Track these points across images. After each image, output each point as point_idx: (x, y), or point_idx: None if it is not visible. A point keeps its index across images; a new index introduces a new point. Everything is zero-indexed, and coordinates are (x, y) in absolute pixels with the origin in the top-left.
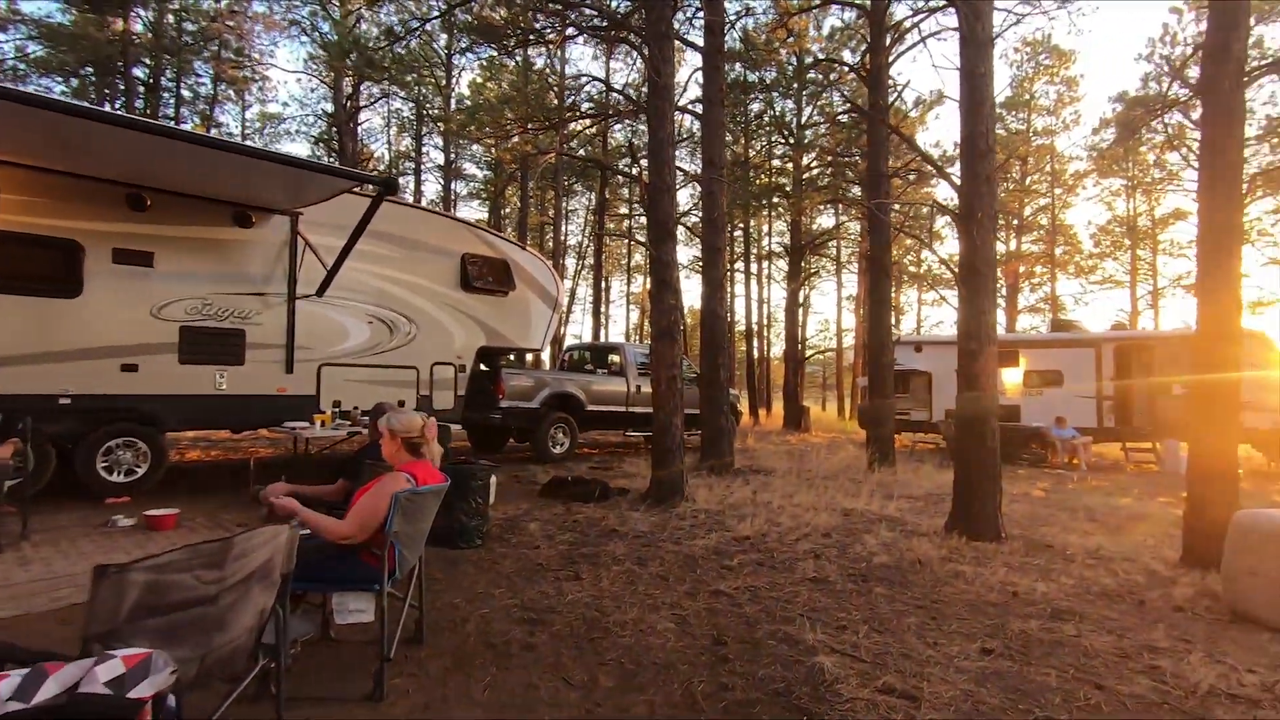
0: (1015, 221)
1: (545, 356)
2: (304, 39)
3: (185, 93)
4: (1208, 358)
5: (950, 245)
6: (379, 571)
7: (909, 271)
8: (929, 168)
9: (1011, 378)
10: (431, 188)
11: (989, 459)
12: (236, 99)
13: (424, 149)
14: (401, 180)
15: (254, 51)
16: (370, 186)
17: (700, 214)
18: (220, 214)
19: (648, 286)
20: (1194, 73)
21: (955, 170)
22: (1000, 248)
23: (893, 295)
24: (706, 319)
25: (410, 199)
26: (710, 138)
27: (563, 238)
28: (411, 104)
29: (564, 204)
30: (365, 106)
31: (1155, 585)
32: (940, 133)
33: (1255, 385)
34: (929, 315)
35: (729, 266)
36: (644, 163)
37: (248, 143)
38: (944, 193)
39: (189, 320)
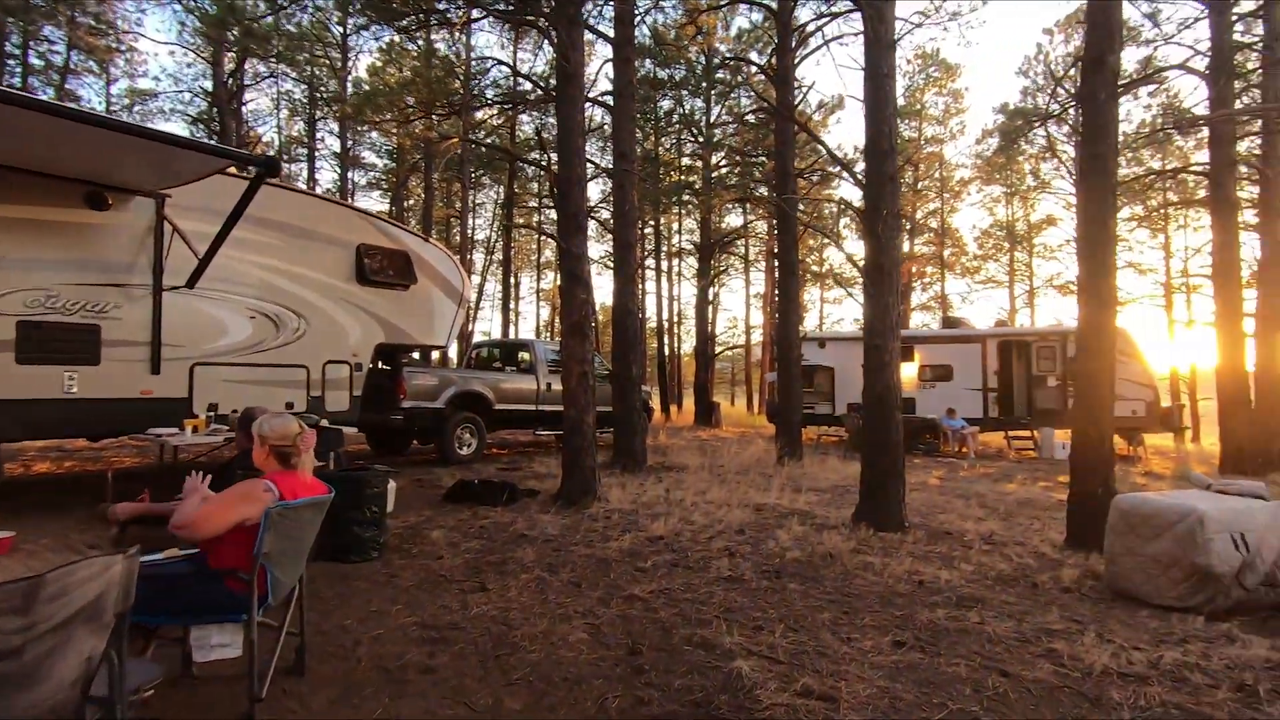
0: (908, 224)
1: (452, 354)
2: (176, 6)
3: (35, 60)
4: (1087, 353)
5: (851, 245)
6: (246, 598)
7: (811, 271)
8: (833, 169)
9: (907, 372)
10: (327, 176)
11: (894, 452)
12: (100, 71)
13: (318, 134)
14: (294, 168)
15: (117, 18)
16: (249, 167)
17: (611, 208)
18: (68, 193)
19: (558, 282)
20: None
21: (861, 170)
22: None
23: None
24: (618, 315)
25: (303, 187)
26: (621, 130)
27: (470, 231)
28: (304, 86)
29: (471, 197)
30: (250, 86)
31: (1045, 568)
32: (841, 137)
33: (1117, 378)
34: (830, 313)
35: (640, 263)
36: (553, 154)
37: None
38: (848, 194)
39: (29, 314)
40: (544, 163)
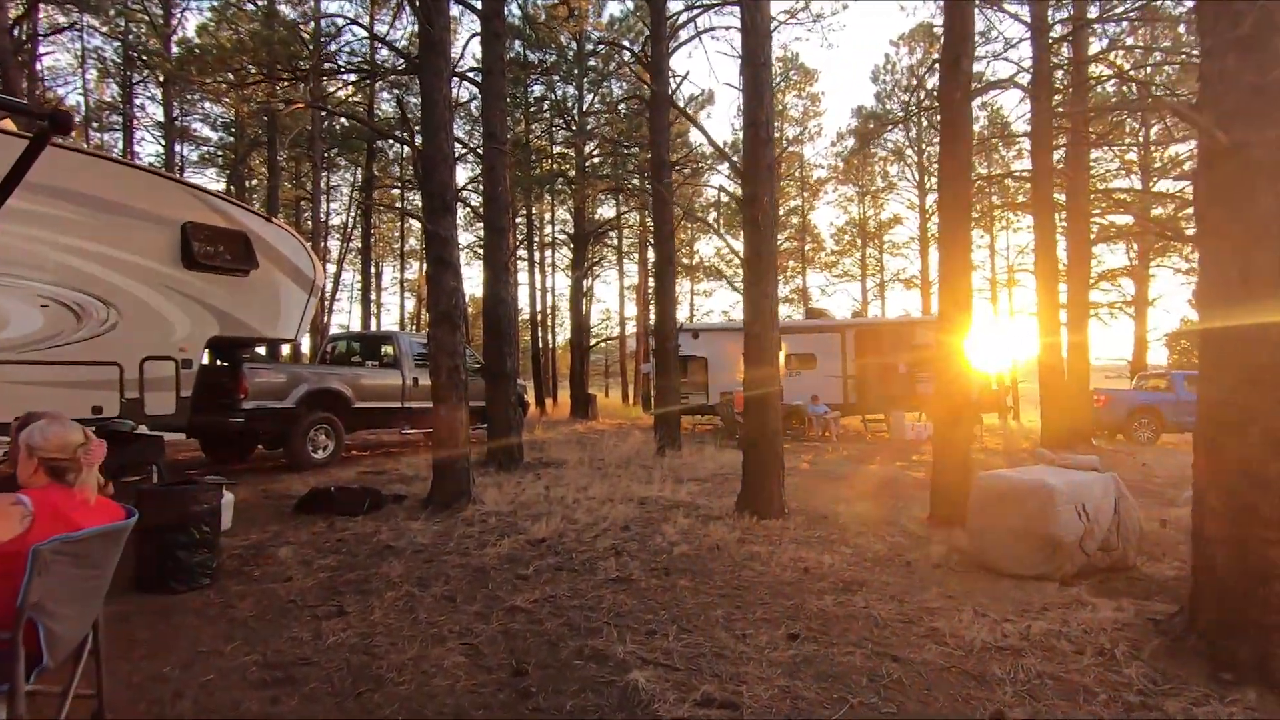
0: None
1: (306, 348)
2: None
3: None
4: (945, 341)
5: (717, 243)
6: (10, 664)
7: (682, 264)
8: (705, 163)
9: None
10: (149, 149)
11: (774, 439)
12: None
13: (136, 100)
14: (105, 137)
15: None
16: (33, 122)
17: (481, 191)
18: None
19: (425, 270)
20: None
21: (739, 160)
22: None
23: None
24: (490, 304)
25: (117, 156)
26: (491, 109)
27: (324, 216)
28: (116, 43)
29: (324, 178)
30: (46, 36)
31: (915, 546)
32: (711, 131)
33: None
34: (700, 304)
35: (512, 252)
36: (417, 130)
37: None
38: (724, 186)
39: None
40: (406, 136)
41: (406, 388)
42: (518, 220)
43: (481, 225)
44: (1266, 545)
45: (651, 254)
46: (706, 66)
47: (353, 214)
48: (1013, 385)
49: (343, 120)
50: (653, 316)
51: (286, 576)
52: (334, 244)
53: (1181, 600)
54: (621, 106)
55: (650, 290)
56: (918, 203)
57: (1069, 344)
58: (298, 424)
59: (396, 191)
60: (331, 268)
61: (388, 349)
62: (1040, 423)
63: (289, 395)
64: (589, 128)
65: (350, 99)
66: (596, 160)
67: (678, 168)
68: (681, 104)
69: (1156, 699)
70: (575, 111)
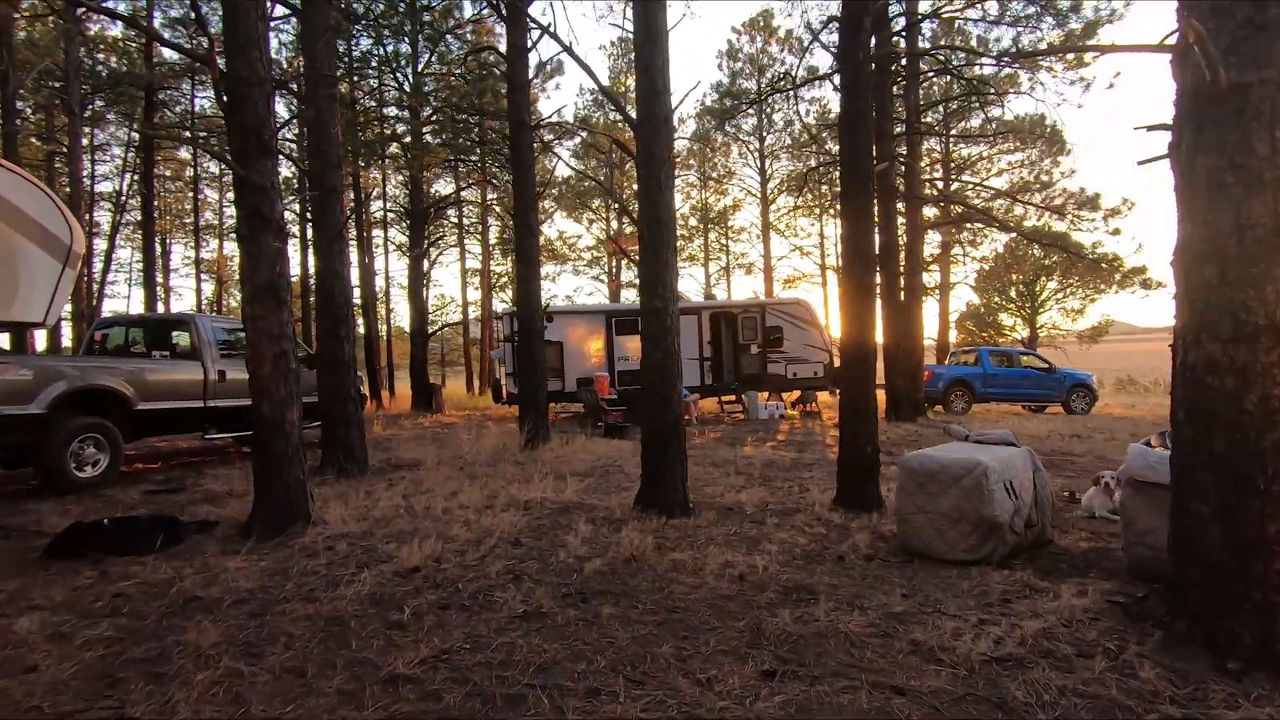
0: (616, 205)
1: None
2: None
3: None
4: (852, 318)
5: (562, 224)
6: None
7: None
8: (571, 124)
9: (635, 344)
10: None
11: (676, 428)
12: None
13: None
14: None
15: None
16: None
17: (306, 146)
18: None
19: (237, 230)
20: (812, 62)
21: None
22: (604, 227)
23: (507, 268)
24: (325, 280)
25: None
26: (314, 42)
27: (89, 182)
28: None
29: (88, 133)
30: None
31: (838, 536)
32: (562, 100)
33: (802, 343)
34: (547, 290)
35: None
36: (220, 52)
37: None
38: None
39: None
40: (201, 46)
41: (210, 382)
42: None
43: (306, 183)
44: (1263, 519)
45: (494, 234)
46: (565, 21)
47: (130, 180)
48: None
49: (111, 62)
50: (496, 301)
51: (29, 666)
52: (103, 216)
53: (1132, 578)
54: (464, 70)
55: (496, 272)
56: (759, 191)
57: (906, 324)
58: (52, 434)
59: (187, 155)
60: (101, 244)
61: (182, 335)
62: (884, 397)
63: (36, 397)
64: (428, 89)
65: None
66: (434, 124)
67: (541, 128)
68: (530, 74)
69: (1196, 708)
70: (410, 70)
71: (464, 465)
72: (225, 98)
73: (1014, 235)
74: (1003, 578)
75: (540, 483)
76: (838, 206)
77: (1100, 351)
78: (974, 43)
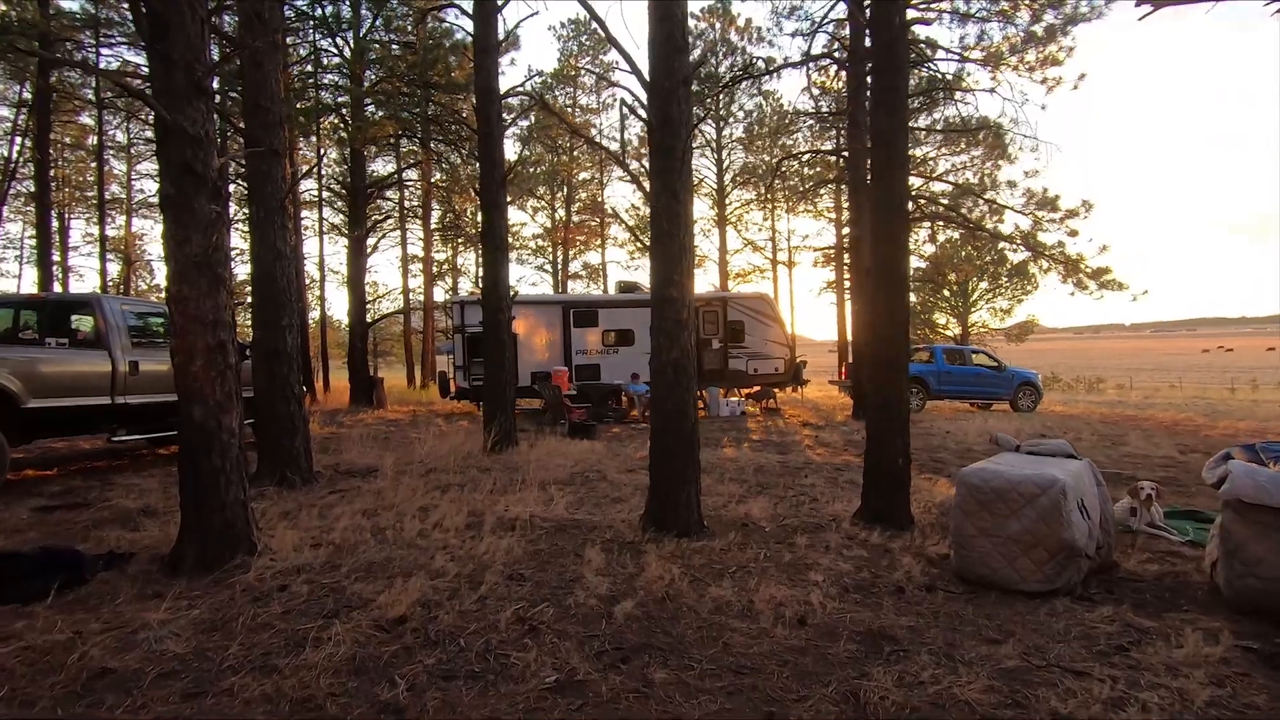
0: (565, 190)
1: None
2: None
3: None
4: (883, 323)
5: (517, 214)
6: None
7: (467, 234)
8: (550, 99)
9: (592, 337)
10: None
11: (691, 435)
12: None
13: None
14: None
15: None
16: None
17: (241, 101)
18: None
19: (161, 192)
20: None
21: (648, 72)
22: (560, 213)
23: (448, 255)
24: (264, 260)
25: None
26: None
27: None
28: None
29: None
30: None
31: (883, 562)
32: (515, 78)
33: (764, 339)
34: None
35: (289, 189)
36: None
37: None
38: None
39: None
40: None
41: (120, 375)
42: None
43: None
44: None
45: (436, 219)
46: None
47: (21, 145)
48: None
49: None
50: (439, 290)
51: None
52: None
53: (1236, 612)
54: (411, 34)
55: (439, 259)
56: (715, 183)
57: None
58: None
59: (89, 121)
60: None
61: (85, 321)
62: (851, 394)
63: None
64: (372, 57)
65: None
66: (381, 97)
67: (511, 96)
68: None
69: None
70: (351, 34)
71: (428, 472)
72: (147, 25)
73: (956, 233)
74: (1097, 615)
75: (521, 495)
76: (809, 199)
77: (1021, 350)
78: (943, 41)
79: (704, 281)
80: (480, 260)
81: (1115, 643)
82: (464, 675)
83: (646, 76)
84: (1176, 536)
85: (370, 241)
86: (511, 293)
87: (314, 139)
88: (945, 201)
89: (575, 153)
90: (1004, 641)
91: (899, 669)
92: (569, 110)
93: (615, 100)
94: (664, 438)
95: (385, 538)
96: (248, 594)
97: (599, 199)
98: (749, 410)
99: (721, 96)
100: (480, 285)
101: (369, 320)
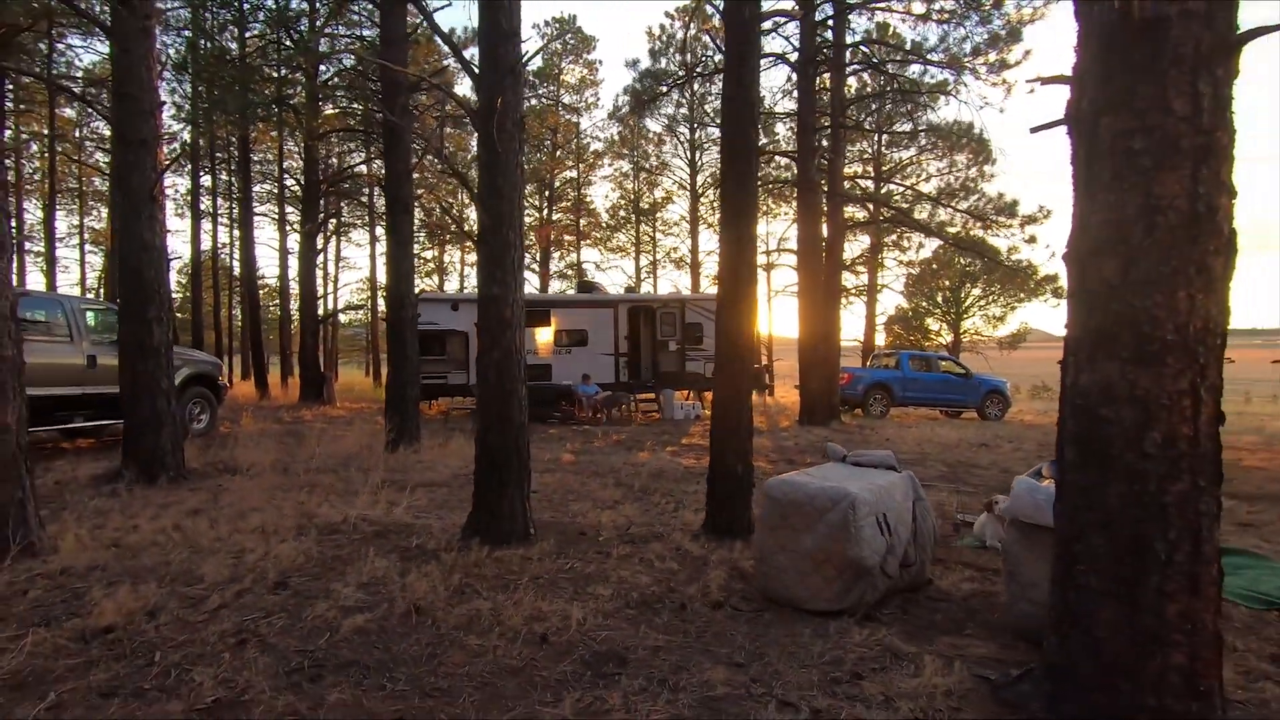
0: (547, 191)
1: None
2: None
3: None
4: (729, 317)
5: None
6: None
7: (451, 230)
8: (458, 88)
9: (543, 337)
10: None
11: (516, 439)
12: None
13: None
14: None
15: None
16: None
17: (112, 88)
18: None
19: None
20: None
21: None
22: (535, 214)
23: (435, 253)
24: (129, 251)
25: None
26: None
27: None
28: None
29: None
30: None
31: (690, 573)
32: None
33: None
34: (471, 276)
35: (160, 175)
36: None
37: None
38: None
39: None
40: None
41: None
42: (228, 158)
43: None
44: (1163, 599)
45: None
46: None
47: None
48: (769, 362)
49: None
50: (439, 288)
51: None
52: None
53: (1015, 636)
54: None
55: (427, 258)
56: (689, 183)
57: (824, 324)
58: None
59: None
60: None
61: None
62: (800, 399)
63: None
64: (324, 49)
65: None
66: (332, 86)
67: (424, 89)
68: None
69: None
70: (303, 26)
71: (305, 470)
72: None
73: (939, 240)
74: (864, 638)
75: (372, 496)
76: (767, 204)
77: (1019, 358)
78: (906, 45)
79: (675, 283)
80: (475, 260)
81: (855, 669)
82: (126, 693)
83: (475, 68)
84: None
85: (328, 232)
86: (426, 293)
87: (268, 133)
88: (904, 205)
89: (557, 154)
90: (748, 666)
91: (597, 695)
92: (551, 104)
93: (597, 99)
94: (487, 442)
95: (181, 538)
96: None
97: (583, 195)
98: (704, 414)
99: (694, 97)
100: (388, 271)
101: (319, 316)
